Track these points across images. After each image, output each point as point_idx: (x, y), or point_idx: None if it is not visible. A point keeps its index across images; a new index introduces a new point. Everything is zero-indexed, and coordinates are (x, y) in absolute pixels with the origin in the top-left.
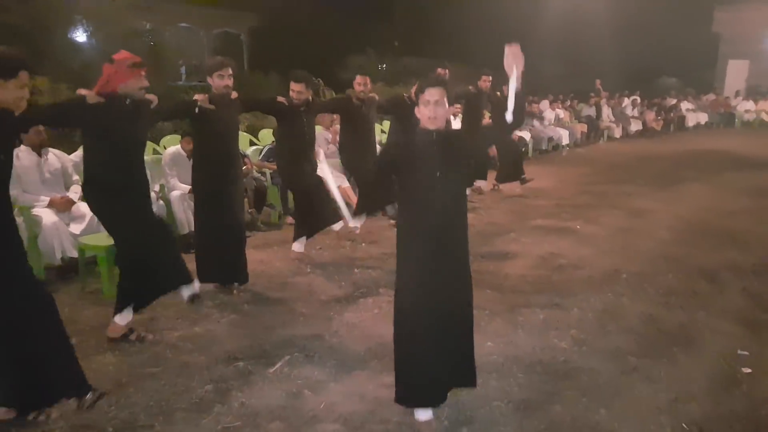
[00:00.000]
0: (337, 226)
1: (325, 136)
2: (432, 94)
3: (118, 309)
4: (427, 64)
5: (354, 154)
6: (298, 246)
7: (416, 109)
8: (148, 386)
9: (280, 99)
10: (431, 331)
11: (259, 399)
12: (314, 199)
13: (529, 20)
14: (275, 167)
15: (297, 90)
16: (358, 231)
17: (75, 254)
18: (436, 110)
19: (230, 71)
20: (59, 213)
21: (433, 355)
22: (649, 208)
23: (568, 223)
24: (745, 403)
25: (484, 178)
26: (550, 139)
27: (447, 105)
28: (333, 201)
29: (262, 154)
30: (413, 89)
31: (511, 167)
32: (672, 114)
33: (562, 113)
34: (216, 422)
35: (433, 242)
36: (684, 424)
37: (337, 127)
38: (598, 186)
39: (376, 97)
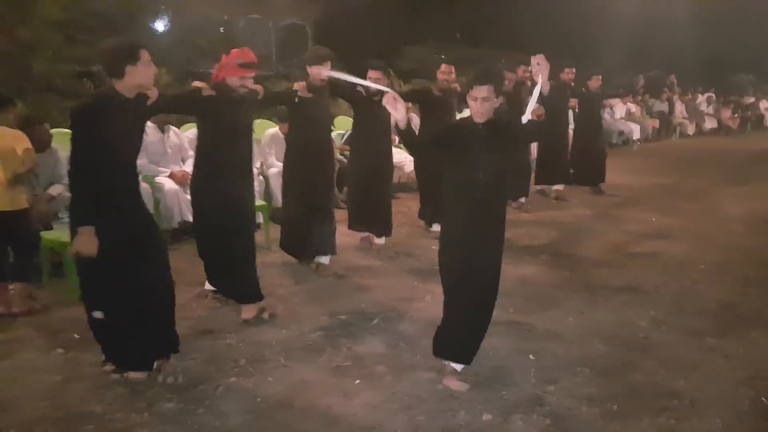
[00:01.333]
0: (380, 240)
1: None
2: (480, 91)
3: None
4: (486, 54)
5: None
6: (363, 235)
7: (468, 99)
8: (268, 330)
9: (359, 88)
10: (461, 292)
11: (363, 346)
12: (368, 195)
13: (596, 11)
14: None
15: (374, 78)
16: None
17: (190, 219)
18: (483, 106)
19: (330, 65)
20: (178, 184)
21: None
22: (723, 203)
23: (642, 215)
24: None
25: (567, 181)
26: (621, 133)
27: (495, 99)
28: (386, 212)
29: (344, 138)
30: (440, 74)
31: (594, 171)
32: (749, 112)
33: (633, 108)
34: (330, 361)
35: (472, 221)
36: (763, 398)
37: (413, 115)
38: (671, 180)
39: (458, 88)
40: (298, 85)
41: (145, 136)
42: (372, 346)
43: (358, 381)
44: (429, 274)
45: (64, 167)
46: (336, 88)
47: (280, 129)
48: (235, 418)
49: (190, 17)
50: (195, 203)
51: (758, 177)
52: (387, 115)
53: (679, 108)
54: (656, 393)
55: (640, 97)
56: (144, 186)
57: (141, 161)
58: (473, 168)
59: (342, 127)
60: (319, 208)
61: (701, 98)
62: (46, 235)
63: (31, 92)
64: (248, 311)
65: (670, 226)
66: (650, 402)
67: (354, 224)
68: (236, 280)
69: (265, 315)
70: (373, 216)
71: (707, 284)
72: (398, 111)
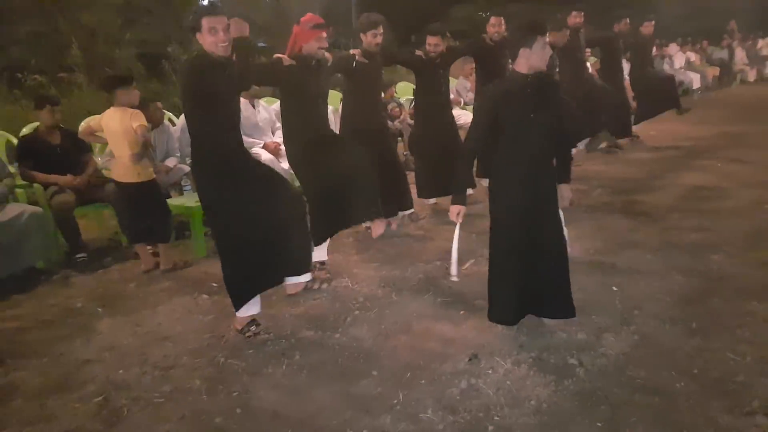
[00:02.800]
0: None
1: (464, 85)
2: (545, 39)
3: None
4: (535, 8)
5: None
6: (431, 201)
7: (524, 54)
8: (377, 274)
9: (418, 52)
10: (522, 257)
11: (462, 285)
12: (435, 161)
13: None
14: None
15: (433, 43)
16: None
17: None
18: (548, 52)
19: (382, 29)
20: (272, 153)
21: (520, 278)
22: None
23: (708, 162)
24: None
25: (629, 134)
26: (681, 83)
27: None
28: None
29: (413, 104)
30: (490, 28)
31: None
32: None
33: (692, 56)
34: (434, 297)
35: (525, 173)
36: None
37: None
38: (734, 127)
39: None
40: (355, 51)
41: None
42: (468, 286)
43: (462, 312)
44: None
45: (176, 142)
46: (395, 56)
47: None
48: (367, 341)
49: None
50: (297, 170)
51: None
52: (447, 77)
53: (740, 54)
54: (732, 313)
55: (699, 46)
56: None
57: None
58: (526, 128)
59: (403, 93)
60: (390, 162)
61: (762, 43)
62: (172, 201)
63: (94, 78)
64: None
65: (736, 172)
66: (727, 320)
67: (423, 193)
68: (362, 201)
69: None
70: (445, 182)
71: None
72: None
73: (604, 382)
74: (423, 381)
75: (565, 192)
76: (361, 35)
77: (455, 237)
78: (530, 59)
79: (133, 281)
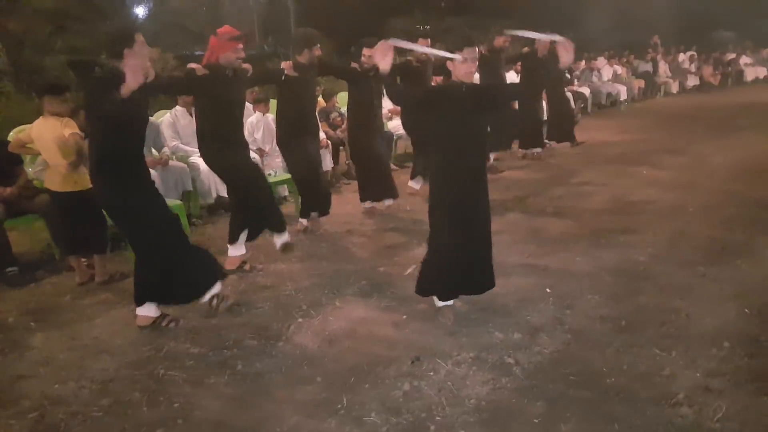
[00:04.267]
0: (388, 202)
1: None
2: (471, 52)
3: (230, 241)
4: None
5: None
6: (368, 205)
7: (450, 66)
8: (320, 282)
9: (354, 64)
10: (456, 241)
11: (405, 290)
12: (373, 168)
13: None
14: None
15: (368, 55)
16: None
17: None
18: (473, 65)
19: (319, 45)
20: None
21: (454, 259)
22: (708, 153)
23: (633, 168)
24: None
25: (508, 147)
26: (609, 94)
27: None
28: (389, 178)
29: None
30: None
31: (562, 128)
32: (730, 68)
33: (619, 69)
34: (378, 302)
35: (460, 171)
36: (746, 309)
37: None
38: (658, 136)
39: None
40: (285, 64)
41: (176, 120)
42: (410, 290)
43: (404, 316)
44: None
45: (163, 136)
46: (329, 67)
47: (255, 109)
48: (311, 347)
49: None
50: (219, 173)
51: (739, 129)
52: (380, 89)
53: (663, 67)
54: (658, 310)
55: (625, 59)
56: (181, 165)
57: (174, 143)
58: (459, 127)
59: (345, 103)
60: (319, 170)
61: (684, 57)
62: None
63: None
64: (231, 262)
65: (660, 177)
66: (653, 317)
67: (366, 198)
68: (270, 213)
69: (247, 267)
70: (383, 186)
71: (697, 224)
72: (386, 61)
73: (539, 380)
74: (367, 385)
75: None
76: (297, 51)
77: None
78: (456, 70)
79: (68, 294)
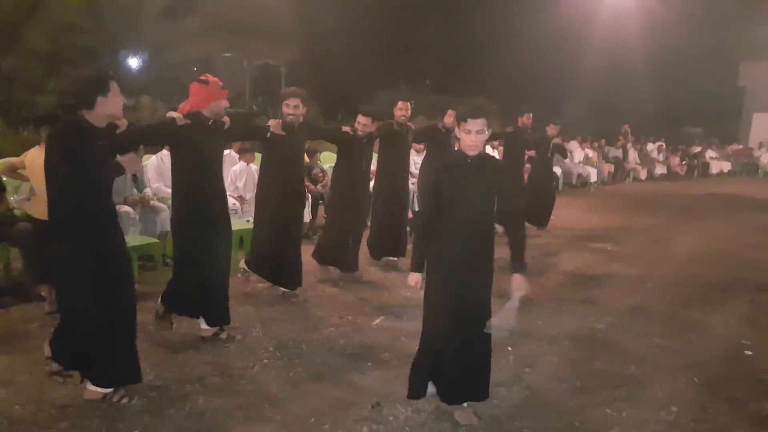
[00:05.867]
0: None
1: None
2: (474, 124)
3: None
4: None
5: (388, 177)
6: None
7: (457, 133)
8: (287, 326)
9: (346, 129)
10: (453, 336)
11: (371, 339)
12: (342, 236)
13: (560, 63)
14: None
15: (363, 123)
16: None
17: None
18: (477, 139)
19: (298, 101)
20: None
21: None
22: (671, 236)
23: (599, 245)
24: (745, 372)
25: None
26: (579, 175)
27: (487, 133)
28: (356, 251)
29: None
30: (446, 118)
31: (542, 214)
32: (696, 160)
33: (590, 153)
34: (345, 349)
35: (463, 249)
36: (696, 379)
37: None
38: (624, 217)
39: (413, 126)
40: (272, 122)
41: (161, 163)
42: (379, 339)
43: (369, 363)
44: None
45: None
46: (320, 131)
47: (240, 159)
48: (274, 388)
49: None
50: (175, 229)
51: (702, 216)
52: (370, 154)
53: (632, 155)
54: (612, 375)
55: (597, 144)
56: (161, 206)
57: (157, 185)
58: (464, 201)
59: (327, 161)
60: (295, 239)
61: (652, 146)
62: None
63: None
64: (207, 331)
65: (623, 254)
66: (608, 381)
67: (322, 261)
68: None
69: (223, 336)
70: (345, 255)
71: (655, 298)
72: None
73: (495, 430)
74: (326, 426)
75: (516, 282)
76: (282, 105)
77: None
78: (463, 141)
79: (36, 321)
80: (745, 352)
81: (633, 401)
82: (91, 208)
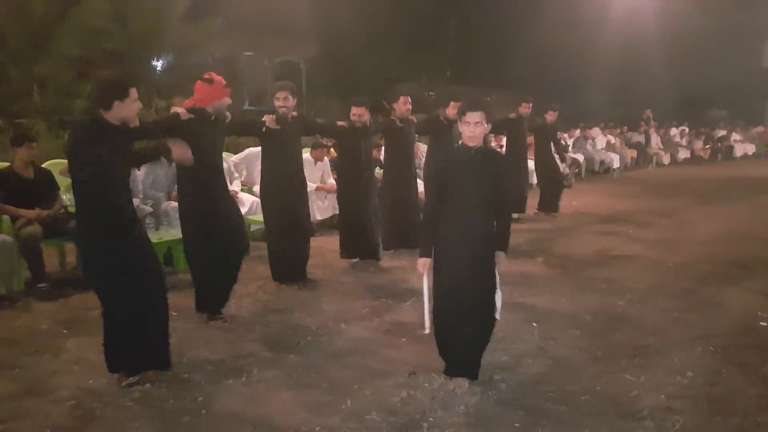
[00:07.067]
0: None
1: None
2: (473, 116)
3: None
4: (475, 92)
5: (395, 170)
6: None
7: (459, 127)
8: (326, 307)
9: (341, 123)
10: (460, 310)
11: (404, 317)
12: (359, 225)
13: (580, 50)
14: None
15: (357, 114)
16: None
17: None
18: (475, 130)
19: (285, 94)
20: None
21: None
22: (692, 219)
23: (620, 228)
24: (759, 341)
25: (523, 210)
26: (602, 162)
27: (486, 125)
28: (375, 236)
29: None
30: (448, 110)
31: (550, 199)
32: (720, 144)
33: (613, 139)
34: (380, 326)
35: (466, 237)
36: (711, 348)
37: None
38: (646, 201)
39: (414, 119)
40: (267, 118)
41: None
42: (411, 318)
43: (404, 339)
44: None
45: (140, 184)
46: (315, 126)
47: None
48: (318, 360)
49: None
50: (188, 219)
51: (725, 199)
52: (369, 147)
53: (655, 140)
54: (631, 345)
55: (619, 130)
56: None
57: (152, 190)
58: (467, 190)
59: None
60: (303, 226)
61: (675, 131)
62: None
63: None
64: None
65: (645, 236)
66: (626, 351)
67: (347, 255)
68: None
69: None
70: (365, 244)
71: (674, 277)
72: None
73: (521, 394)
74: (368, 391)
75: (501, 260)
76: (273, 99)
77: (425, 291)
78: (464, 133)
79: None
80: (761, 323)
81: (650, 368)
82: (114, 202)
